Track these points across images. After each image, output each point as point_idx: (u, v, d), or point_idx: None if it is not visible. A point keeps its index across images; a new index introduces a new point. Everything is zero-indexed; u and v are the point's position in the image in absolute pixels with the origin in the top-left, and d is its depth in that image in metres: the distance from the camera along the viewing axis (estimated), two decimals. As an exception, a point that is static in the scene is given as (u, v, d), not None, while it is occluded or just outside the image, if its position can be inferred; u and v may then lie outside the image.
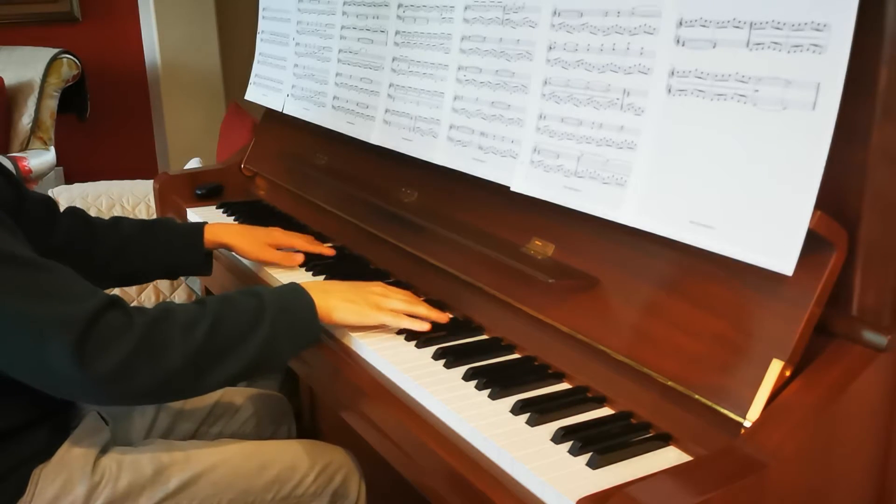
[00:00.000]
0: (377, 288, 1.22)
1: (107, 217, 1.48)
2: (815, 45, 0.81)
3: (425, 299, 1.31)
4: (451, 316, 1.24)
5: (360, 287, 1.22)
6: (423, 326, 1.18)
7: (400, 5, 1.49)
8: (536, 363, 1.11)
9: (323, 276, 1.42)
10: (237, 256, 1.59)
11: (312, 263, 1.49)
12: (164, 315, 1.02)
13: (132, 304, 2.27)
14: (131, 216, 2.33)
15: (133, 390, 1.00)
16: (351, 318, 1.17)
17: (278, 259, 1.48)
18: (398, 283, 1.37)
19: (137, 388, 1.00)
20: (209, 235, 1.48)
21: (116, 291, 2.27)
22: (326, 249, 1.54)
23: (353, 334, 1.19)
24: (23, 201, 1.27)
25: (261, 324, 1.07)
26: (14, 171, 3.02)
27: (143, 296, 2.32)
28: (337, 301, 1.17)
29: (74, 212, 1.42)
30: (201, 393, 1.13)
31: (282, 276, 1.44)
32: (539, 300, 1.12)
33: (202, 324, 1.03)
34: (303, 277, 1.44)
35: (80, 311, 0.96)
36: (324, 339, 1.22)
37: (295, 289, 1.16)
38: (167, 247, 1.45)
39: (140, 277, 1.51)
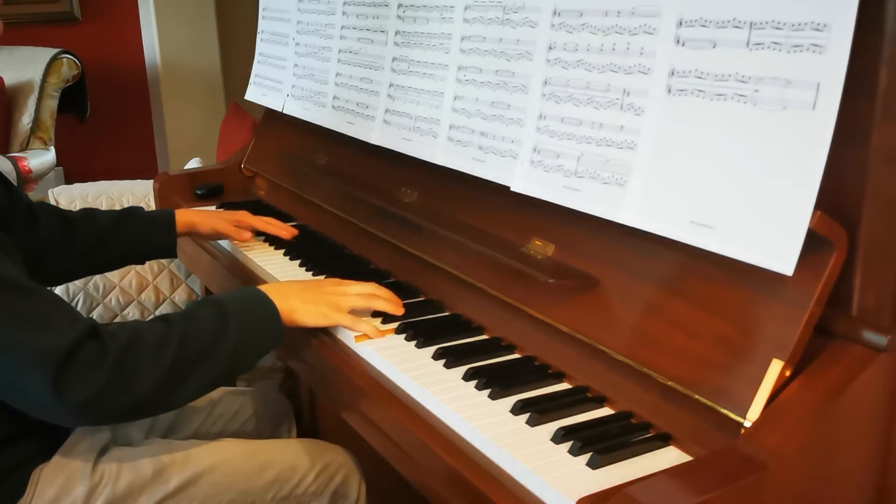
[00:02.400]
0: (332, 287, 1.23)
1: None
2: (815, 45, 0.81)
3: (424, 298, 1.32)
4: (404, 311, 1.25)
5: (318, 287, 1.22)
6: (376, 335, 1.18)
7: (400, 5, 1.49)
8: (536, 363, 1.11)
9: (323, 276, 1.42)
10: (237, 256, 1.59)
11: (310, 262, 1.49)
12: (134, 340, 1.03)
13: (128, 305, 2.28)
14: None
15: (107, 415, 1.03)
16: (310, 320, 1.18)
17: (230, 231, 1.58)
18: (398, 284, 1.37)
19: (112, 413, 1.03)
20: (180, 218, 1.55)
21: (116, 279, 2.26)
22: (283, 231, 1.61)
23: (353, 334, 1.19)
24: (15, 205, 1.27)
25: (226, 335, 1.08)
26: (14, 172, 3.03)
27: (144, 295, 2.32)
28: (297, 303, 1.17)
29: (46, 208, 1.45)
30: (174, 408, 1.16)
31: (277, 274, 1.44)
32: (539, 300, 1.12)
33: (170, 344, 1.04)
34: (300, 274, 1.44)
35: (59, 342, 0.97)
36: (324, 339, 1.22)
37: (255, 294, 1.16)
38: (142, 234, 1.51)
39: (115, 265, 1.56)
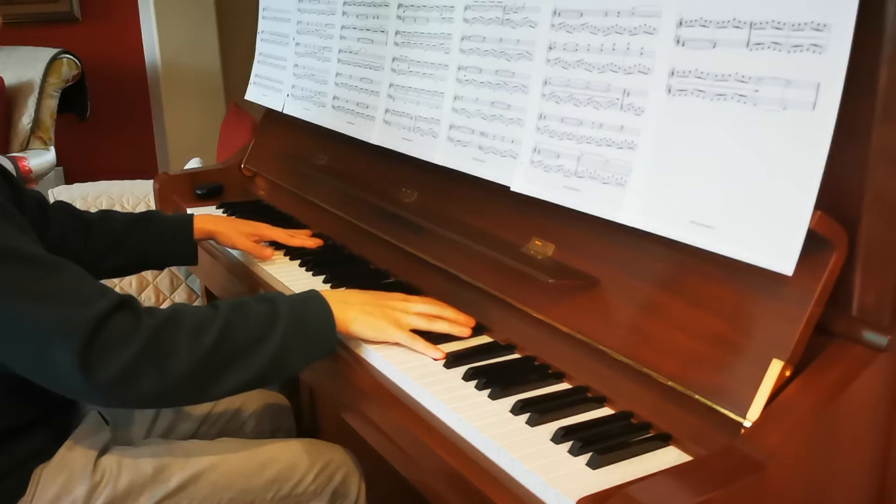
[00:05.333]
0: (398, 303, 1.18)
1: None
2: (815, 45, 0.81)
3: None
4: (474, 325, 1.19)
5: (381, 299, 1.18)
6: (436, 354, 1.12)
7: (400, 5, 1.49)
8: (536, 363, 1.11)
9: (323, 276, 1.42)
10: (236, 256, 1.59)
11: (310, 262, 1.49)
12: (172, 319, 1.00)
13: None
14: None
15: (136, 396, 0.98)
16: (368, 332, 1.14)
17: (251, 249, 1.53)
18: (398, 284, 1.37)
19: (140, 394, 0.98)
20: (198, 225, 1.52)
21: (116, 279, 2.26)
22: (308, 241, 1.57)
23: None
24: (21, 200, 1.26)
25: (272, 334, 1.04)
26: (14, 172, 3.02)
27: (144, 295, 2.32)
28: (356, 313, 1.14)
29: (64, 207, 1.43)
30: (206, 401, 1.10)
31: (277, 274, 1.44)
32: (539, 300, 1.12)
33: (211, 330, 1.00)
34: (300, 274, 1.44)
35: (86, 314, 0.94)
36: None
37: (315, 297, 1.13)
38: (159, 239, 1.48)
39: (131, 269, 1.54)
